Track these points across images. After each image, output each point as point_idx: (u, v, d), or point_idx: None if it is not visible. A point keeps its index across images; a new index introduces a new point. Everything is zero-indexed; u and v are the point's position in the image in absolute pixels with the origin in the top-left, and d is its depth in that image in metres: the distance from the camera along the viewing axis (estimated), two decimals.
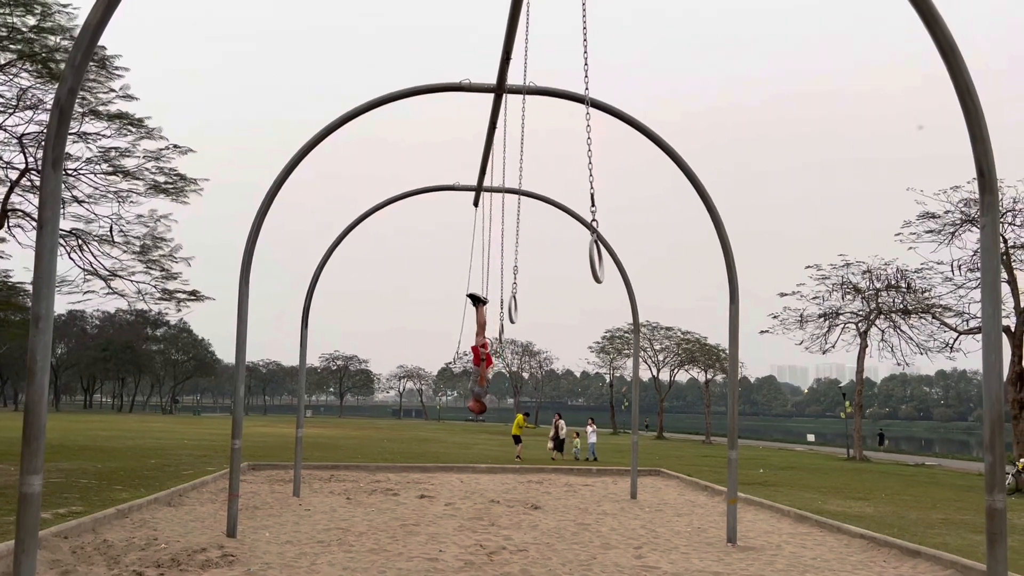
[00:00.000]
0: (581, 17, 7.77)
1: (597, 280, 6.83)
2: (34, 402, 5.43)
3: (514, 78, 10.54)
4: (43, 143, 18.63)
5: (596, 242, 6.81)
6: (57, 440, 27.82)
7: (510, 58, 9.97)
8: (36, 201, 20.34)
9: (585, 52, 7.78)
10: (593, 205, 7.27)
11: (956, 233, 26.49)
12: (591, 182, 7.27)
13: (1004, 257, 24.65)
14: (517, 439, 27.33)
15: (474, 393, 13.73)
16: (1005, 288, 24.97)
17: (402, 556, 9.67)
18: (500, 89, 10.66)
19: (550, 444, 27.57)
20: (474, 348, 13.75)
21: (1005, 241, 24.89)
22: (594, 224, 7.20)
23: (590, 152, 7.45)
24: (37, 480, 5.37)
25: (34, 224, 18.96)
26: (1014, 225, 24.99)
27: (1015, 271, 25.20)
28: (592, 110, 11.05)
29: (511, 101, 11.07)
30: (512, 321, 12.87)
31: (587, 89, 8.17)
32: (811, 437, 71.40)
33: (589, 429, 28.82)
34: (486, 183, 14.22)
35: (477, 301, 13.90)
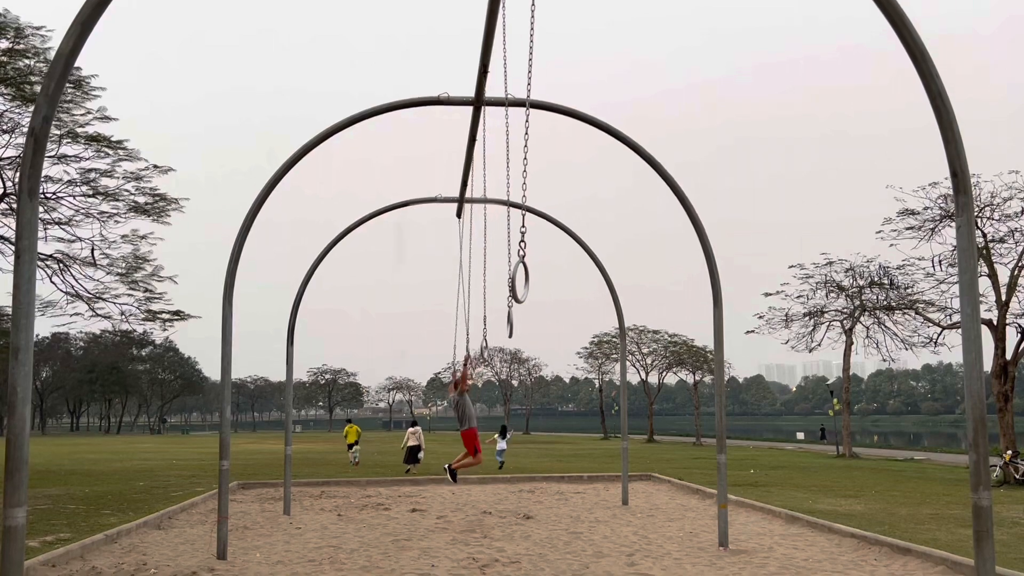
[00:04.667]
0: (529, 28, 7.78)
1: (517, 300, 6.85)
2: (16, 434, 5.40)
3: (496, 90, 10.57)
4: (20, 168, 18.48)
5: (523, 262, 6.78)
6: (43, 465, 27.55)
7: (487, 71, 10.02)
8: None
9: (530, 59, 7.78)
10: (523, 226, 7.15)
11: (936, 229, 26.71)
12: (524, 199, 7.19)
13: (984, 251, 24.83)
14: (352, 446, 28.09)
15: (461, 429, 13.84)
16: (986, 282, 25.17)
17: (394, 572, 9.63)
18: (479, 102, 10.71)
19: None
20: (452, 382, 14.09)
21: (984, 236, 25.09)
22: (521, 245, 7.10)
23: (525, 181, 7.40)
24: (21, 513, 5.33)
25: (14, 249, 18.85)
26: (992, 220, 25.19)
27: (995, 264, 25.41)
28: (575, 119, 11.13)
29: (503, 113, 11.08)
30: (509, 336, 12.93)
31: (529, 93, 8.20)
32: (800, 435, 71.79)
33: (498, 436, 27.00)
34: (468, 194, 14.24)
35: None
